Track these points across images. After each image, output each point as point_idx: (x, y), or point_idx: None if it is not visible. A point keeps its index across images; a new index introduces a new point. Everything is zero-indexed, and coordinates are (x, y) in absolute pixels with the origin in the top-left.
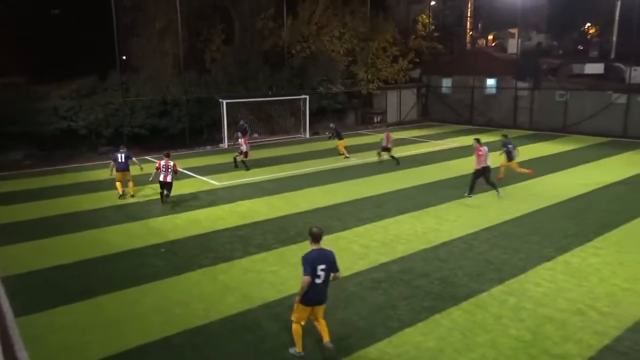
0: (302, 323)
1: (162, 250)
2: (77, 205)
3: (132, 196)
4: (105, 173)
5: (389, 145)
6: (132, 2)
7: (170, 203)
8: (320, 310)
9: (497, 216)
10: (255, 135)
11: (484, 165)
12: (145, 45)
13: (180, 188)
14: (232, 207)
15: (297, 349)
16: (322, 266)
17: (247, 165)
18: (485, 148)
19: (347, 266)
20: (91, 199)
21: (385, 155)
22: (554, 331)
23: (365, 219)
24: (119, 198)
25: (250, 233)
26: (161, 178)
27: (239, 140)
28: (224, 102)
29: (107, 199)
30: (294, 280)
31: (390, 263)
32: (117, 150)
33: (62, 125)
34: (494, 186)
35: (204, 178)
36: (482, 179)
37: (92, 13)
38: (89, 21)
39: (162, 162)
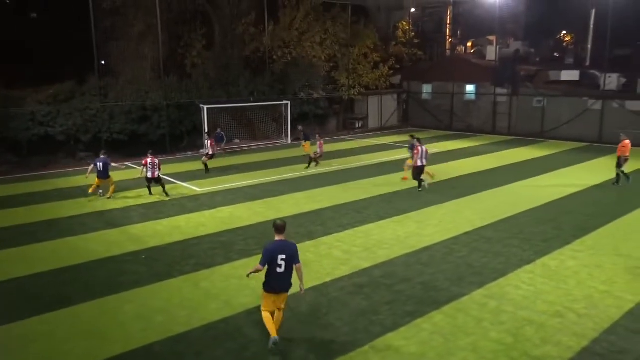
0: (270, 310)
1: (143, 257)
2: (55, 212)
3: (109, 198)
4: (84, 179)
5: (318, 155)
6: (111, 6)
7: (152, 209)
8: (282, 299)
9: (477, 220)
10: (237, 140)
11: (420, 165)
12: (125, 49)
13: (161, 194)
14: (214, 213)
15: (272, 334)
16: (282, 256)
17: (207, 168)
18: (423, 147)
19: (328, 272)
20: (69, 205)
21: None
22: (533, 333)
23: (347, 224)
24: (88, 194)
25: (232, 239)
26: (149, 175)
27: (206, 142)
28: (205, 107)
29: (85, 206)
30: None
31: (372, 268)
32: (98, 156)
33: (39, 131)
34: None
35: (185, 184)
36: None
37: (70, 17)
38: (67, 25)
39: (149, 160)
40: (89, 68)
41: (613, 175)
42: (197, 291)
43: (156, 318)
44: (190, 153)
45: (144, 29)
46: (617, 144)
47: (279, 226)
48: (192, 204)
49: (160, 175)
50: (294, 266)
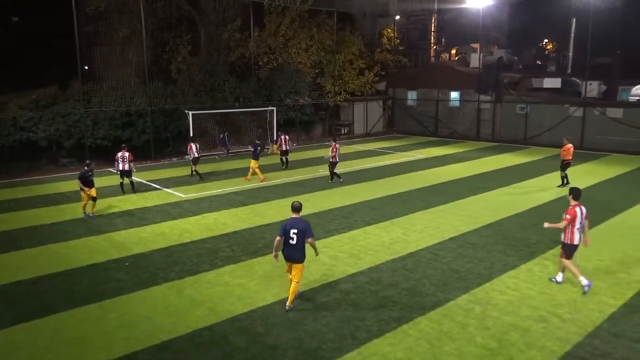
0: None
1: (126, 264)
2: (37, 218)
3: (91, 216)
4: (66, 185)
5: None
6: (95, 11)
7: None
8: (294, 269)
9: (462, 226)
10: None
11: (336, 161)
12: (109, 54)
13: (145, 200)
14: (199, 219)
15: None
16: (294, 230)
17: (195, 173)
18: (337, 145)
19: (315, 278)
20: (51, 212)
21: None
22: (518, 338)
23: (333, 230)
24: (85, 215)
25: (217, 245)
26: (120, 167)
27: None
28: (190, 113)
29: (68, 212)
30: (262, 292)
31: (358, 274)
32: (87, 167)
33: (20, 137)
34: (336, 176)
35: (169, 190)
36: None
37: (53, 21)
38: (50, 29)
39: (119, 154)
40: (72, 73)
41: (596, 181)
42: (182, 298)
43: (140, 326)
44: (175, 159)
45: (128, 34)
46: (598, 150)
47: (295, 206)
48: (176, 210)
49: (132, 170)
50: (307, 240)
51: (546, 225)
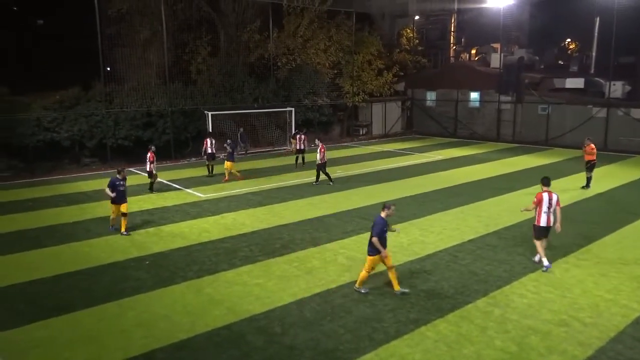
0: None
1: (147, 263)
2: (59, 217)
3: (123, 234)
4: (87, 185)
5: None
6: (117, 13)
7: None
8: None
9: (481, 228)
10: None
11: (324, 161)
12: (130, 56)
13: (164, 200)
14: (217, 219)
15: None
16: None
17: (209, 169)
18: (324, 146)
19: (332, 278)
20: (73, 211)
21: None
22: (538, 342)
23: (351, 231)
24: (111, 229)
25: (236, 245)
26: (148, 168)
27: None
28: (210, 113)
29: (89, 211)
30: (279, 293)
31: (376, 275)
32: (116, 175)
33: (44, 137)
34: (327, 177)
35: (188, 190)
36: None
37: (76, 23)
38: (73, 31)
39: (149, 154)
40: (95, 74)
41: (619, 183)
42: (200, 297)
43: (158, 324)
44: (194, 159)
45: (149, 36)
46: (622, 152)
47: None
48: (195, 210)
49: (153, 171)
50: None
51: (522, 209)
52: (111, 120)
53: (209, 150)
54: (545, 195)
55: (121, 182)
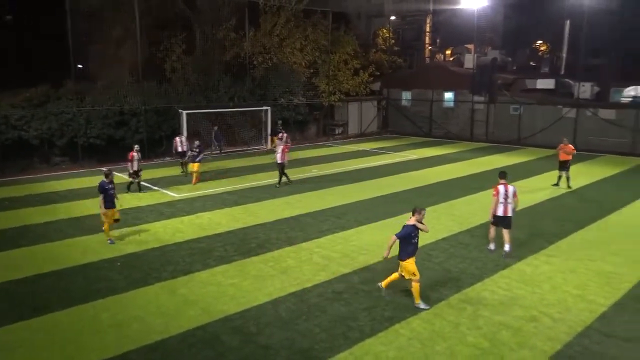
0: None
1: (118, 264)
2: (30, 218)
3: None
4: (59, 184)
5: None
6: (89, 9)
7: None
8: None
9: (455, 226)
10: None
11: (283, 161)
12: (102, 53)
13: (138, 200)
14: (192, 219)
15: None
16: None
17: (182, 167)
18: (287, 146)
19: (308, 277)
20: (44, 211)
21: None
22: (509, 338)
23: (326, 230)
24: (110, 243)
25: (211, 245)
26: (135, 167)
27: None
28: (184, 112)
29: (61, 211)
30: (255, 292)
31: (351, 274)
32: (106, 178)
33: (12, 135)
34: (286, 176)
35: (162, 190)
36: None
37: (47, 20)
38: (43, 28)
39: (134, 153)
40: (66, 72)
41: (589, 181)
42: (175, 298)
43: (132, 326)
44: (168, 158)
45: (122, 33)
46: (591, 151)
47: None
48: (170, 210)
49: (131, 170)
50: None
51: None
52: (82, 118)
53: (179, 149)
54: (502, 187)
55: (111, 186)
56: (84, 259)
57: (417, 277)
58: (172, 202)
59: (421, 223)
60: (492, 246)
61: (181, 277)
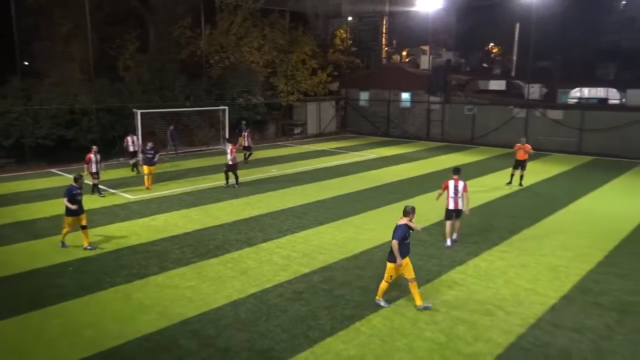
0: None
1: (70, 268)
2: None
3: (87, 248)
4: (5, 187)
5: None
6: (35, 4)
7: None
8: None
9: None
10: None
11: (234, 162)
12: (51, 49)
13: (91, 202)
14: (147, 221)
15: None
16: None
17: (133, 166)
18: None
19: (268, 278)
20: None
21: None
22: (465, 332)
23: (287, 230)
24: (62, 247)
25: (167, 248)
26: (93, 169)
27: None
28: (138, 112)
29: (6, 215)
30: (213, 294)
31: (311, 273)
32: (76, 182)
33: None
34: (227, 178)
35: (116, 192)
36: None
37: None
38: None
39: (92, 155)
40: (11, 69)
41: (539, 179)
42: (130, 303)
43: (85, 333)
44: (122, 159)
45: (71, 29)
46: (541, 150)
47: (405, 210)
48: (124, 212)
49: (91, 171)
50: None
51: (436, 198)
52: (30, 118)
53: (131, 149)
54: (451, 182)
55: (79, 191)
56: (32, 265)
57: (391, 280)
58: (126, 204)
59: (411, 222)
60: (448, 242)
61: (136, 281)
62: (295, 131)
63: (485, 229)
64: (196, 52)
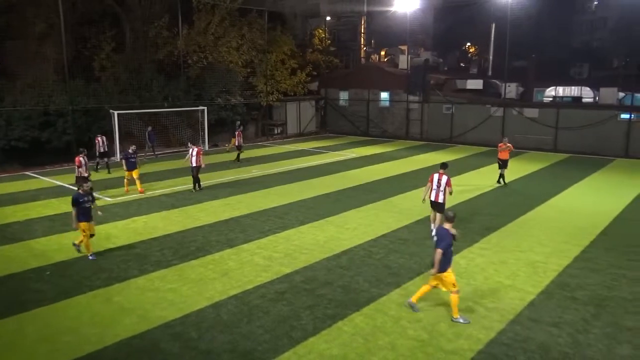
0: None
1: (47, 273)
2: None
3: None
4: None
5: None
6: (6, 2)
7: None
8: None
9: (393, 223)
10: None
11: (198, 165)
12: (23, 50)
13: (67, 205)
14: (126, 223)
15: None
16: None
17: (96, 165)
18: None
19: (249, 279)
20: None
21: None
22: (447, 329)
23: (268, 230)
24: (91, 258)
25: (147, 250)
26: (85, 173)
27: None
28: (115, 112)
29: None
30: (195, 297)
31: (293, 274)
32: (82, 190)
33: None
34: (197, 182)
35: (94, 194)
36: None
37: None
38: None
39: (81, 158)
40: None
41: (516, 177)
42: (109, 307)
43: (63, 338)
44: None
45: (45, 29)
46: (518, 148)
47: (448, 217)
48: (103, 214)
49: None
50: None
51: (422, 198)
52: (2, 119)
53: (101, 150)
54: (435, 176)
55: (85, 198)
56: (7, 270)
57: (457, 288)
58: (105, 207)
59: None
60: (432, 226)
61: (116, 285)
62: (275, 131)
63: (464, 226)
64: (174, 52)
